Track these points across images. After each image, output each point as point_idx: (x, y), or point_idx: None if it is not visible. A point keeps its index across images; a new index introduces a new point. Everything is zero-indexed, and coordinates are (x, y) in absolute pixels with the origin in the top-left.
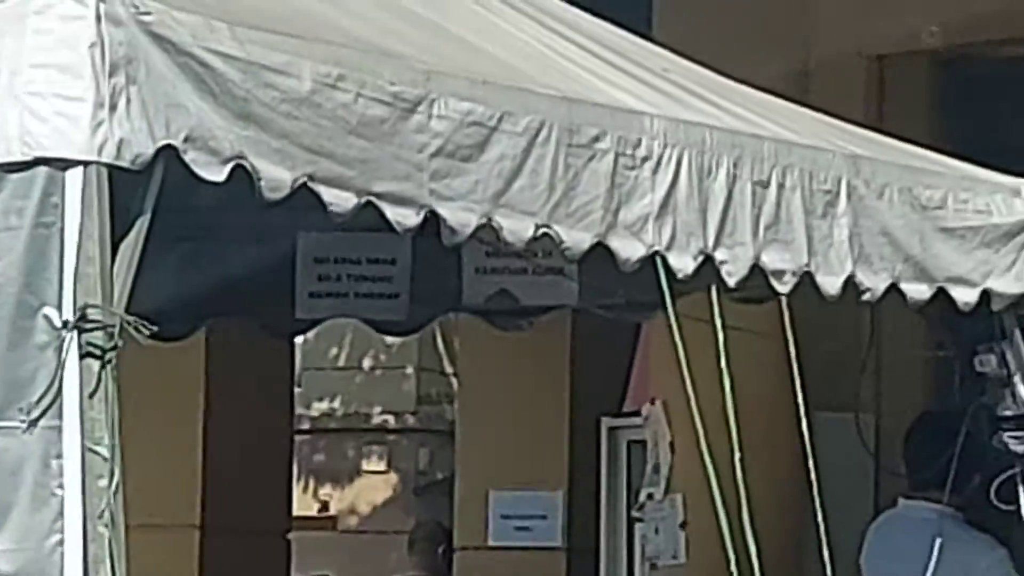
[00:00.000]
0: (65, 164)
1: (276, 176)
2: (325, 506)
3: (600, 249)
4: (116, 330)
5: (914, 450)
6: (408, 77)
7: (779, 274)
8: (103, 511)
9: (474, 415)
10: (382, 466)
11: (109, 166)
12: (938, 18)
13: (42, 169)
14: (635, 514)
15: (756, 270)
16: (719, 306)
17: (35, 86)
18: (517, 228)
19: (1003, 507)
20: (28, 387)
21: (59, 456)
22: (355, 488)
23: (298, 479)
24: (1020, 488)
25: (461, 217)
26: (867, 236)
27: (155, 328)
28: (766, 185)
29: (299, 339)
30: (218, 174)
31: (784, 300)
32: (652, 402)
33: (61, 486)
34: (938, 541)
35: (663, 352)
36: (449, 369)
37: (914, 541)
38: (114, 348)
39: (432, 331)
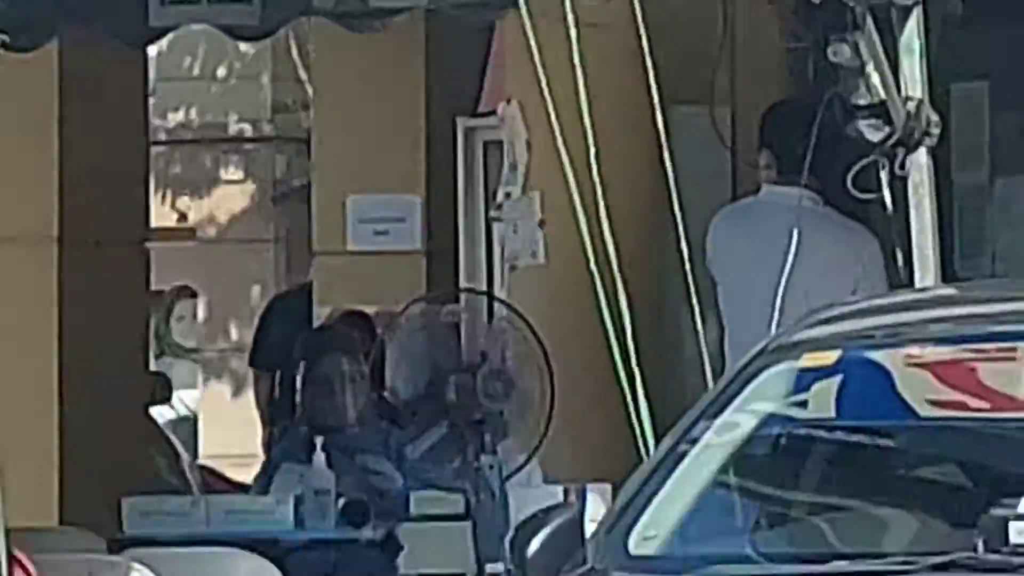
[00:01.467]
0: None
1: None
2: (183, 217)
3: None
4: None
5: (777, 137)
6: None
7: None
8: None
9: (330, 121)
10: (239, 175)
11: None
12: None
13: None
14: (493, 214)
15: None
16: (571, 2)
17: None
18: None
19: (860, 195)
20: None
21: None
22: (213, 198)
23: (156, 191)
24: (882, 176)
25: None
26: None
27: (5, 38)
28: None
29: (153, 50)
30: None
31: None
32: (508, 101)
33: None
34: (814, 225)
35: (517, 51)
36: (304, 76)
37: (782, 226)
38: None
39: (286, 37)
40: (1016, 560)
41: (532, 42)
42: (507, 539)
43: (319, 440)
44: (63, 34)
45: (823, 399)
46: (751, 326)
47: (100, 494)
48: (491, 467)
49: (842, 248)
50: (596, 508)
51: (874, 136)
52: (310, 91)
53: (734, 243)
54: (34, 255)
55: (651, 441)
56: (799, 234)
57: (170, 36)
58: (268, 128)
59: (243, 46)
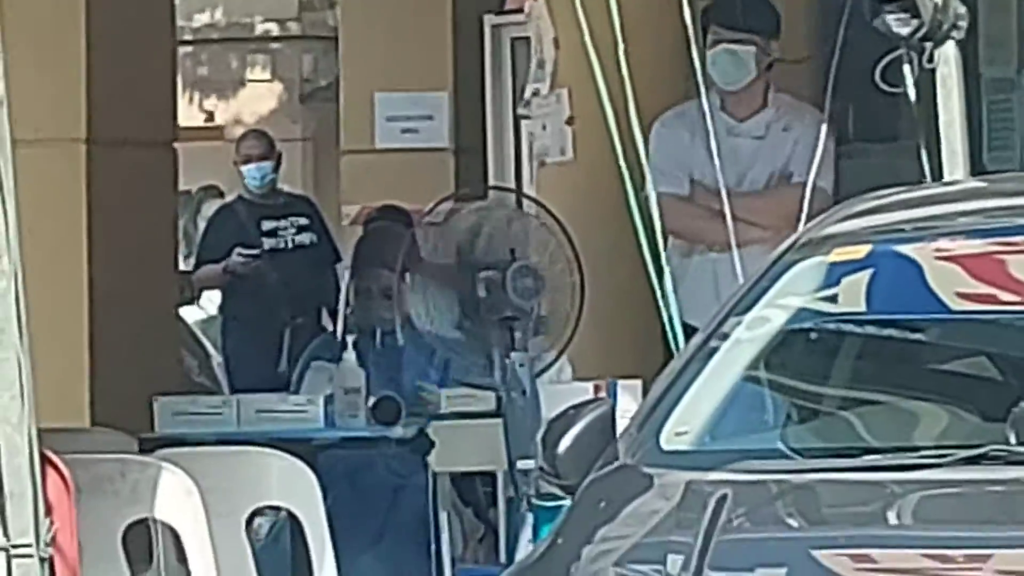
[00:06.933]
0: None
1: None
2: (211, 116)
3: None
4: None
5: None
6: None
7: None
8: None
9: (357, 19)
10: (266, 75)
11: None
12: None
13: None
14: (521, 111)
15: None
16: None
17: None
18: None
19: (888, 89)
20: None
21: None
22: (240, 98)
23: (183, 91)
24: (906, 69)
25: None
26: None
27: None
28: None
29: None
30: None
31: None
32: None
33: None
34: None
35: None
36: None
37: None
38: None
39: None
40: None
41: None
42: (538, 436)
43: (350, 338)
44: None
45: (853, 293)
46: None
47: (131, 394)
48: (521, 364)
49: None
50: (627, 404)
51: (902, 29)
52: None
53: None
54: (62, 157)
55: (680, 336)
56: None
57: None
58: (295, 27)
59: None
